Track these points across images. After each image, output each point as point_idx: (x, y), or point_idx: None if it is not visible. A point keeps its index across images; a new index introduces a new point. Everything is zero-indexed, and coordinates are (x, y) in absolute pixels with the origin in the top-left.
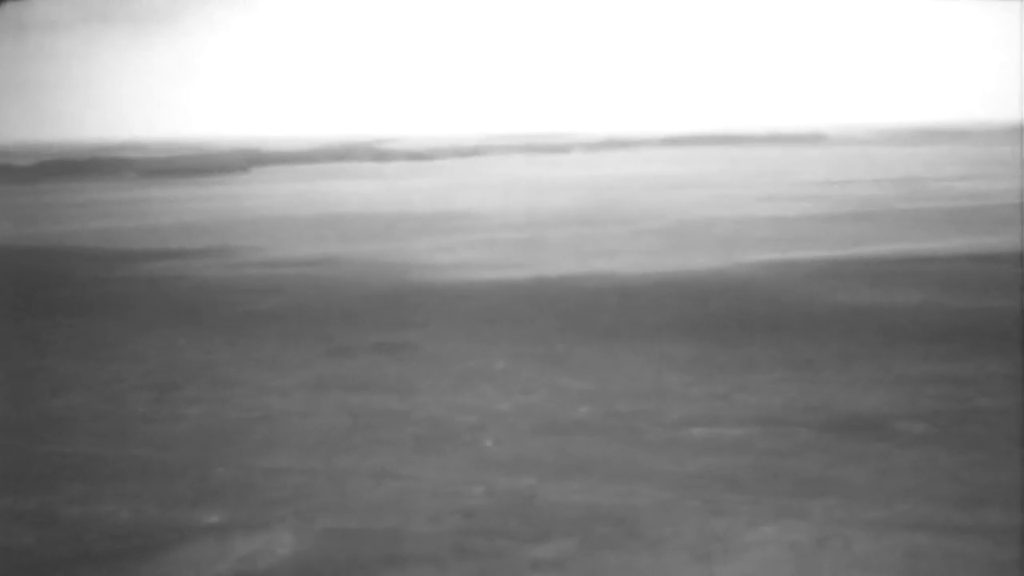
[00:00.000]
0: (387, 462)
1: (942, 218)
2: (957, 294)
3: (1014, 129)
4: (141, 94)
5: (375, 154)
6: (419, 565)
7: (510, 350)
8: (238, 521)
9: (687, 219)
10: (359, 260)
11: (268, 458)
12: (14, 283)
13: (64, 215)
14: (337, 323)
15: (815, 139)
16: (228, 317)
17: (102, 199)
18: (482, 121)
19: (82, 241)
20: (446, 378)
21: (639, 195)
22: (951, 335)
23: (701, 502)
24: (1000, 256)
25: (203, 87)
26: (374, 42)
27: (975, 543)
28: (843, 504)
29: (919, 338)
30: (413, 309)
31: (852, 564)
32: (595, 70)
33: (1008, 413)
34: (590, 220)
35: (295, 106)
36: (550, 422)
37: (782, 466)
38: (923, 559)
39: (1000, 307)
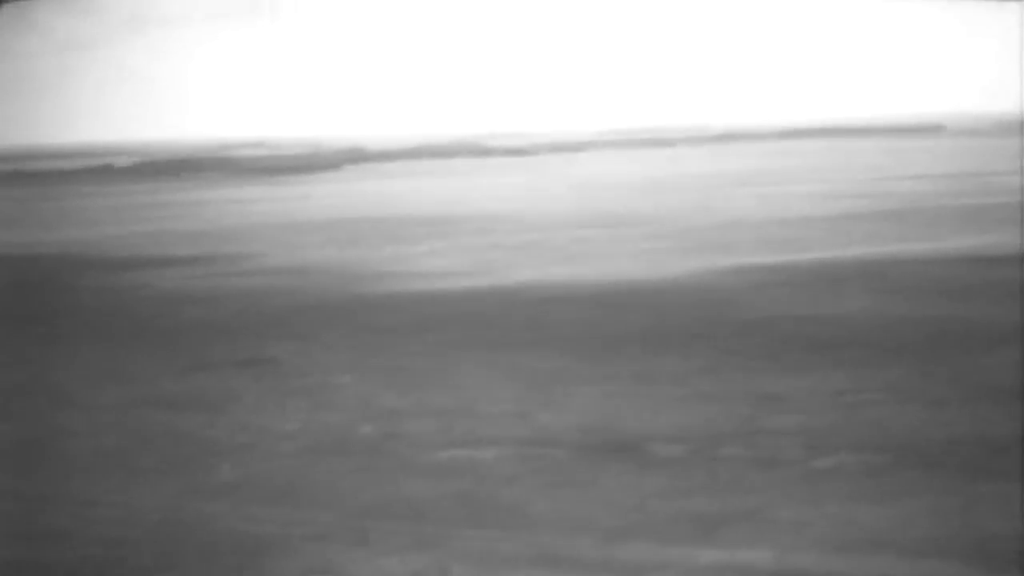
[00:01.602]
0: (110, 488)
1: (973, 215)
2: (914, 301)
3: None
4: (262, 92)
5: (478, 151)
6: None
7: (368, 365)
8: None
9: (708, 221)
10: (331, 268)
11: None
12: None
13: (98, 219)
14: (226, 336)
15: (934, 130)
16: (138, 330)
17: (157, 201)
18: (595, 115)
19: (85, 249)
20: (271, 394)
21: (690, 195)
22: (847, 346)
23: (359, 532)
24: (998, 259)
25: (320, 85)
26: (490, 38)
27: None
28: (492, 537)
29: (803, 350)
30: (317, 322)
31: None
32: (714, 61)
33: (786, 434)
34: (612, 223)
35: (411, 104)
36: (319, 444)
37: (489, 493)
38: None
39: (943, 314)
